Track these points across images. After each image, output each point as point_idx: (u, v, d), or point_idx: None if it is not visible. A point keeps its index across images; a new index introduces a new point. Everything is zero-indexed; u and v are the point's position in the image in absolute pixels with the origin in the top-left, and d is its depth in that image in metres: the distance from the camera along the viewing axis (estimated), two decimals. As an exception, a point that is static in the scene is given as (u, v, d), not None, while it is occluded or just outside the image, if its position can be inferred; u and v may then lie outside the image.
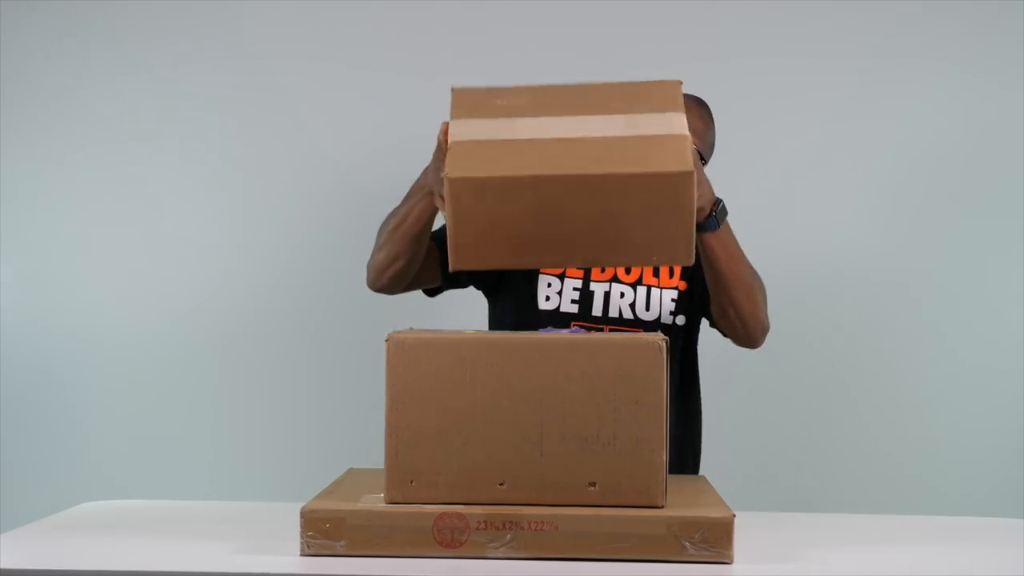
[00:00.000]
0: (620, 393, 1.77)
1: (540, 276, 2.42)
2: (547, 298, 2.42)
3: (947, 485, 3.12)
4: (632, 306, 2.42)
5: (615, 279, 2.43)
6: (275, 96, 3.24)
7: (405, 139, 3.21)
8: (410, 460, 1.78)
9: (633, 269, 2.43)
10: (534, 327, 2.32)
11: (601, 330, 2.38)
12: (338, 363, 3.20)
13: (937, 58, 3.15)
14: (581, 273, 2.42)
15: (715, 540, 1.72)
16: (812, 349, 3.17)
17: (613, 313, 2.42)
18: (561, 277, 2.42)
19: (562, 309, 2.42)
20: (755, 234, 3.17)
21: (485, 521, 1.74)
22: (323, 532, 1.73)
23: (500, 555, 1.73)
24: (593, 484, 1.77)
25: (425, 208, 2.22)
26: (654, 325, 2.42)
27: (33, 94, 3.27)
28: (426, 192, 2.18)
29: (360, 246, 3.20)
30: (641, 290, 2.43)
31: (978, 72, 3.14)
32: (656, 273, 2.43)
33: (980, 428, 3.12)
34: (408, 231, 2.27)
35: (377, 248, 2.34)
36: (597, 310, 2.41)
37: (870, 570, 1.82)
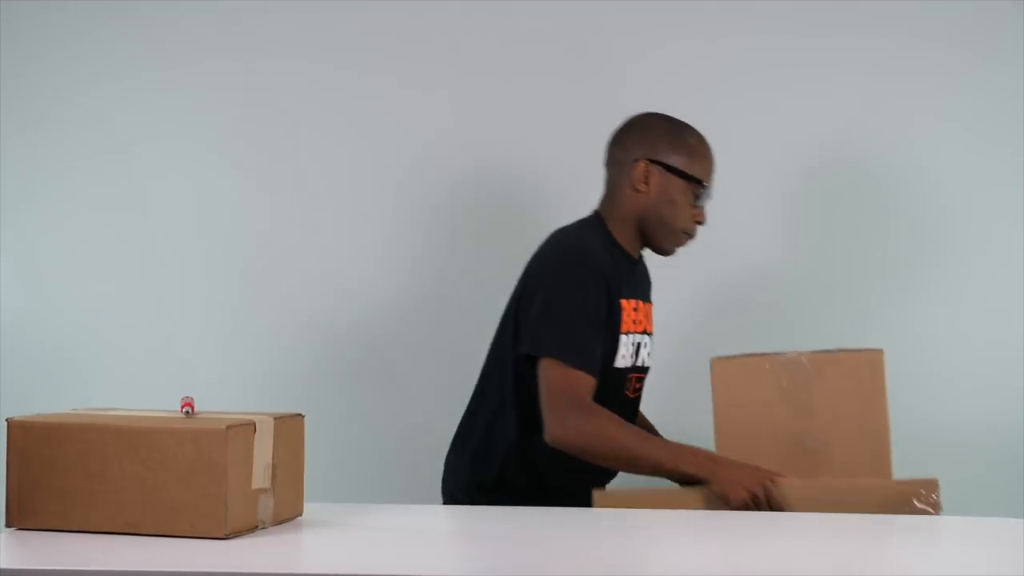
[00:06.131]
0: None
1: (622, 337, 2.45)
2: (622, 356, 2.46)
3: (947, 485, 3.11)
4: (649, 354, 2.55)
5: (644, 331, 2.53)
6: (277, 99, 3.24)
7: (406, 140, 3.23)
8: None
9: (642, 316, 2.51)
10: (607, 384, 2.39)
11: (641, 379, 2.54)
12: (337, 362, 3.20)
13: (937, 58, 3.16)
14: (640, 328, 2.50)
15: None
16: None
17: (640, 362, 2.53)
18: (628, 333, 2.47)
19: (619, 364, 2.46)
20: (755, 232, 3.20)
21: None
22: None
23: None
24: None
25: (671, 472, 2.28)
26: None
27: (34, 96, 3.27)
28: (701, 478, 2.24)
29: (357, 248, 3.21)
30: (648, 339, 2.55)
31: (978, 71, 3.15)
32: (651, 319, 2.57)
33: (980, 428, 3.12)
34: (634, 470, 2.34)
35: (603, 451, 2.30)
36: (640, 360, 2.52)
37: (870, 570, 1.82)
